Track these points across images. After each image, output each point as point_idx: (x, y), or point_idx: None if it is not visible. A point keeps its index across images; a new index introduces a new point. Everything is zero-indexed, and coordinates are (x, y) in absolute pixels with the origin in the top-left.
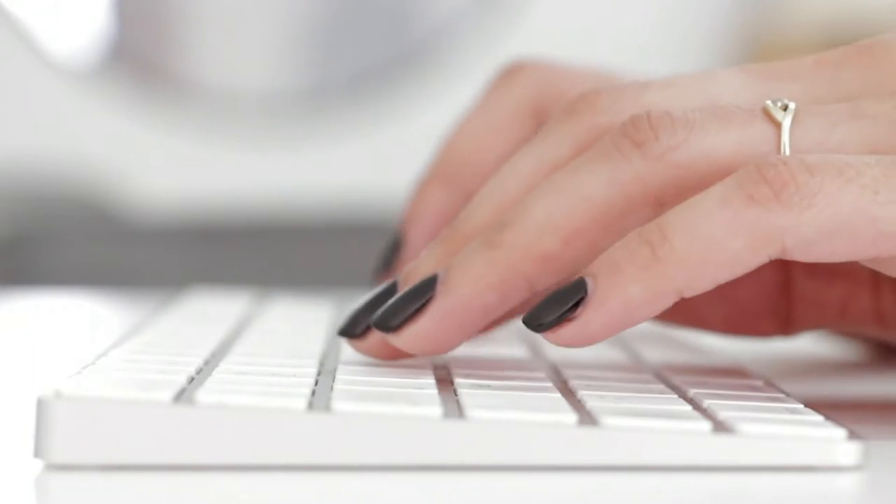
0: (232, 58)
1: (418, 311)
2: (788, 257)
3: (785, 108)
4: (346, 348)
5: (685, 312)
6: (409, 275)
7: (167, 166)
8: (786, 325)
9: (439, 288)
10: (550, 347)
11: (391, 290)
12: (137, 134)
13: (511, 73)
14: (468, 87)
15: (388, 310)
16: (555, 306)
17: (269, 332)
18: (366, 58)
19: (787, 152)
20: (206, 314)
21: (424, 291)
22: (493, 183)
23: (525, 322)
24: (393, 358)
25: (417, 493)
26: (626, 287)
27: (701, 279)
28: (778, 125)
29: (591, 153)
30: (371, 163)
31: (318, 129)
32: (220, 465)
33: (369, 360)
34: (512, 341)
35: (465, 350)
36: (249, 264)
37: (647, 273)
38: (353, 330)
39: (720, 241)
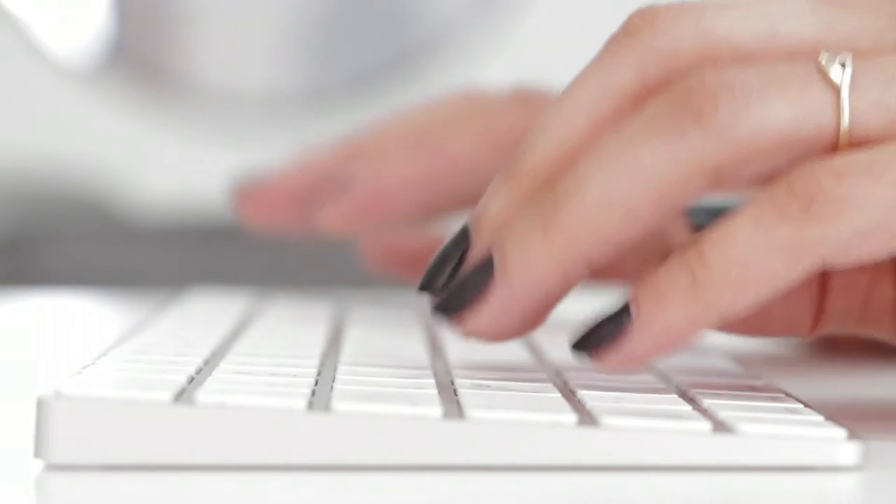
0: (232, 58)
1: (479, 296)
2: (830, 267)
3: (843, 66)
4: (346, 348)
5: None
6: (477, 220)
7: (167, 166)
8: (815, 318)
9: (497, 276)
10: (550, 348)
11: (463, 236)
12: (137, 134)
13: None
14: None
15: (448, 297)
16: (600, 332)
17: (269, 332)
18: (365, 58)
19: (847, 118)
20: (206, 314)
21: (482, 278)
22: (554, 110)
23: (572, 347)
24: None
25: (417, 493)
26: (668, 313)
27: (742, 301)
28: (836, 90)
29: (647, 120)
30: None
31: (318, 129)
32: (220, 465)
33: (369, 360)
34: (512, 342)
35: (464, 350)
36: (249, 264)
37: (687, 299)
38: (432, 285)
39: (757, 262)
